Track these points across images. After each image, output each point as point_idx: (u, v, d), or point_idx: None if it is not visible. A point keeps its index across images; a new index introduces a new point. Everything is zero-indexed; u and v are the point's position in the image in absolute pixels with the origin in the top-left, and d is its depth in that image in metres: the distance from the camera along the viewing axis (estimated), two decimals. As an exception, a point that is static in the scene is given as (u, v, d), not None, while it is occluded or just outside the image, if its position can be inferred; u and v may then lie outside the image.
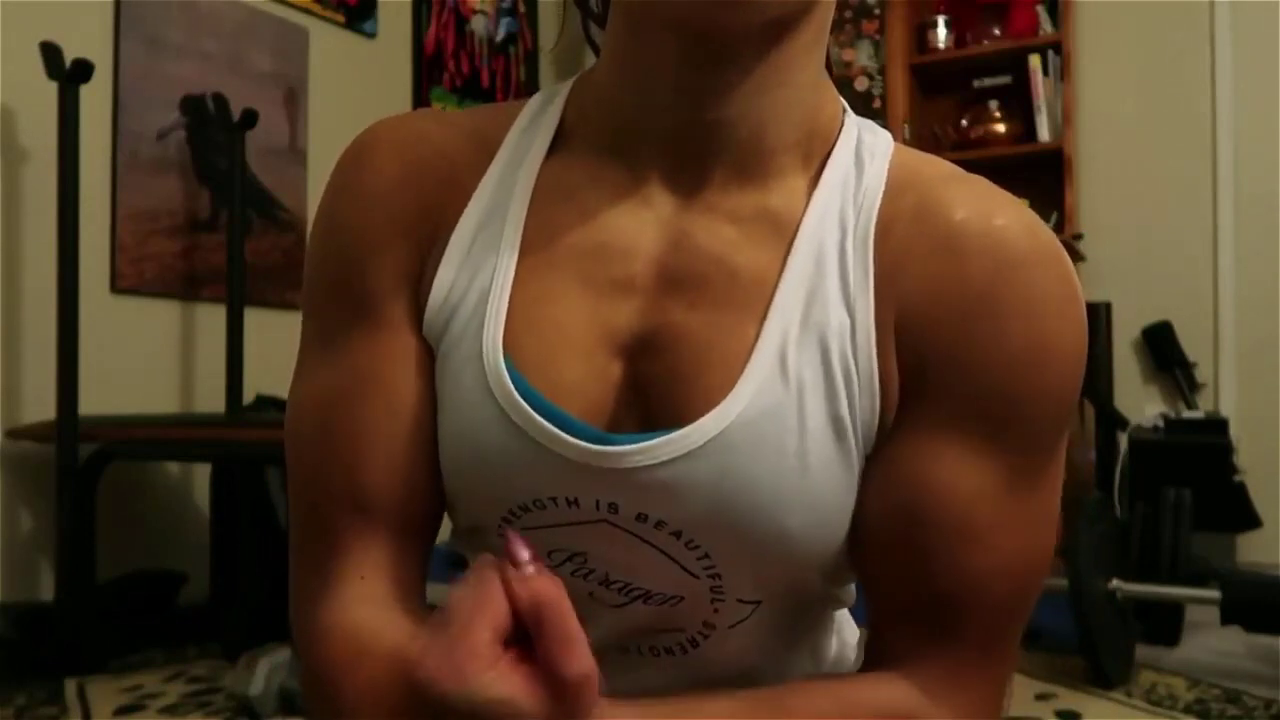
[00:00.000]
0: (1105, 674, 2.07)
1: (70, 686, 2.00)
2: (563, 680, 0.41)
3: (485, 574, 0.43)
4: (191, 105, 2.76)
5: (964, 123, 3.67)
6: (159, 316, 2.69)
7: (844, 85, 3.61)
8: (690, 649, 0.59)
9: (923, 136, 3.69)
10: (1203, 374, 3.38)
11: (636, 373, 0.54)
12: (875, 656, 0.57)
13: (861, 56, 3.65)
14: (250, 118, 2.71)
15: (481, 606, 0.41)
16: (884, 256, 0.53)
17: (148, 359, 2.65)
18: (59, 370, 2.14)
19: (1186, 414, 3.25)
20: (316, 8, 3.13)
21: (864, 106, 3.54)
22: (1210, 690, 2.06)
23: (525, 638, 0.42)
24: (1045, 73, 3.49)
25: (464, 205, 0.58)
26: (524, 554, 0.43)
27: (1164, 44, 3.48)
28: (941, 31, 3.68)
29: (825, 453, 0.52)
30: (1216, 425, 3.06)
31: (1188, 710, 1.94)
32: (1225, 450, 2.96)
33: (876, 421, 0.53)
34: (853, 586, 0.65)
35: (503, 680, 0.40)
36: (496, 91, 3.88)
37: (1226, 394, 3.35)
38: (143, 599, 2.39)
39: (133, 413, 2.52)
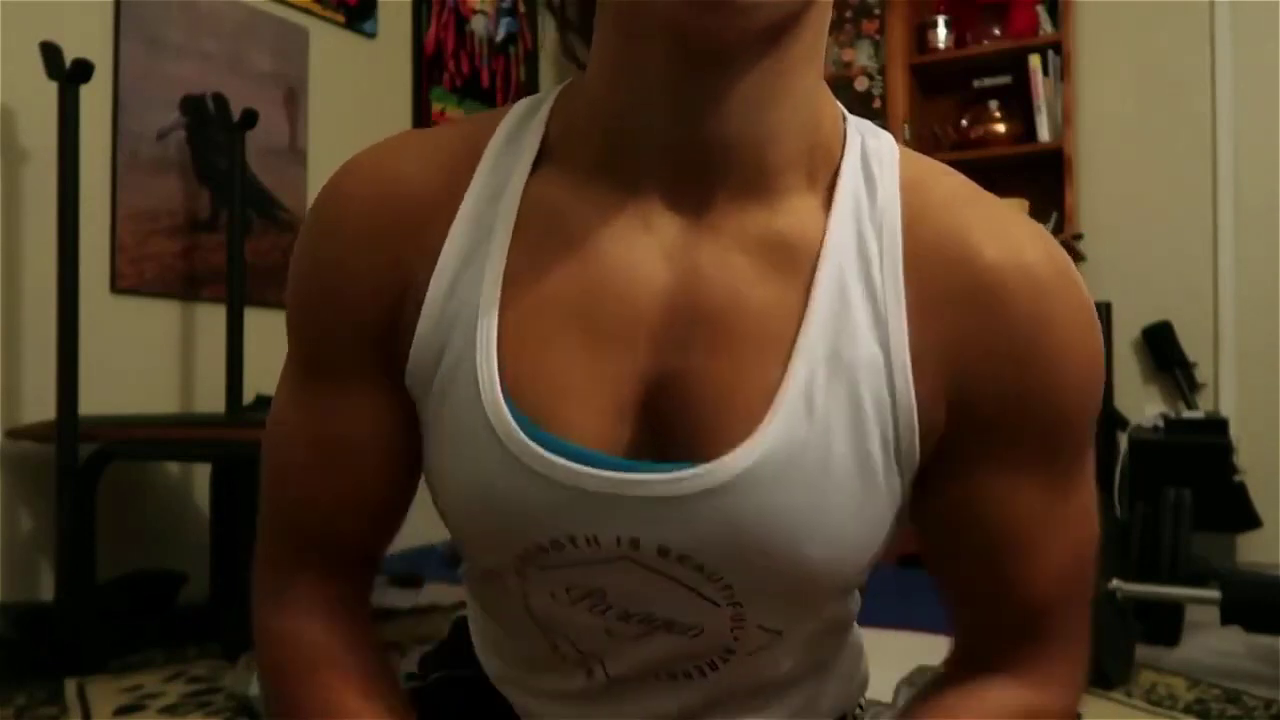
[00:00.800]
0: (1105, 674, 2.06)
1: (70, 686, 2.00)
2: None
3: None
4: (191, 105, 2.76)
5: (964, 123, 3.66)
6: (159, 316, 2.68)
7: (844, 85, 3.60)
8: (710, 672, 0.59)
9: (923, 136, 3.69)
10: (1203, 374, 3.38)
11: (650, 415, 0.53)
12: (970, 664, 0.60)
13: (861, 56, 3.65)
14: (250, 118, 2.71)
15: None
16: (915, 289, 0.53)
17: (148, 359, 2.65)
18: (59, 370, 2.14)
19: (1186, 414, 3.25)
20: (316, 8, 3.13)
21: (864, 106, 3.53)
22: (1210, 690, 2.05)
23: None
24: (1045, 73, 3.49)
25: (441, 246, 0.55)
26: None
27: (1164, 44, 3.47)
28: (941, 31, 3.68)
29: (850, 486, 0.52)
30: (1216, 425, 3.05)
31: (1188, 710, 1.94)
32: (1225, 450, 2.95)
33: (919, 448, 0.53)
34: (857, 594, 0.67)
35: None
36: (496, 92, 3.88)
37: (1226, 394, 3.35)
38: (143, 599, 2.39)
39: (133, 413, 2.52)
